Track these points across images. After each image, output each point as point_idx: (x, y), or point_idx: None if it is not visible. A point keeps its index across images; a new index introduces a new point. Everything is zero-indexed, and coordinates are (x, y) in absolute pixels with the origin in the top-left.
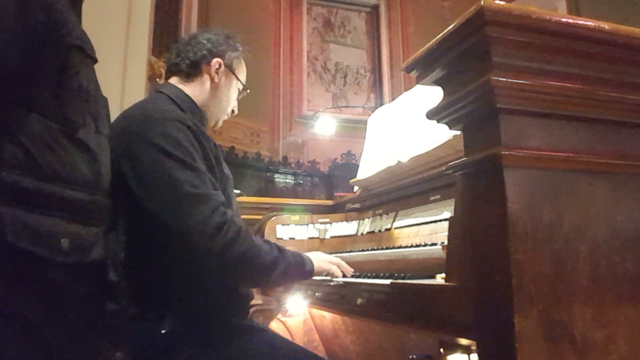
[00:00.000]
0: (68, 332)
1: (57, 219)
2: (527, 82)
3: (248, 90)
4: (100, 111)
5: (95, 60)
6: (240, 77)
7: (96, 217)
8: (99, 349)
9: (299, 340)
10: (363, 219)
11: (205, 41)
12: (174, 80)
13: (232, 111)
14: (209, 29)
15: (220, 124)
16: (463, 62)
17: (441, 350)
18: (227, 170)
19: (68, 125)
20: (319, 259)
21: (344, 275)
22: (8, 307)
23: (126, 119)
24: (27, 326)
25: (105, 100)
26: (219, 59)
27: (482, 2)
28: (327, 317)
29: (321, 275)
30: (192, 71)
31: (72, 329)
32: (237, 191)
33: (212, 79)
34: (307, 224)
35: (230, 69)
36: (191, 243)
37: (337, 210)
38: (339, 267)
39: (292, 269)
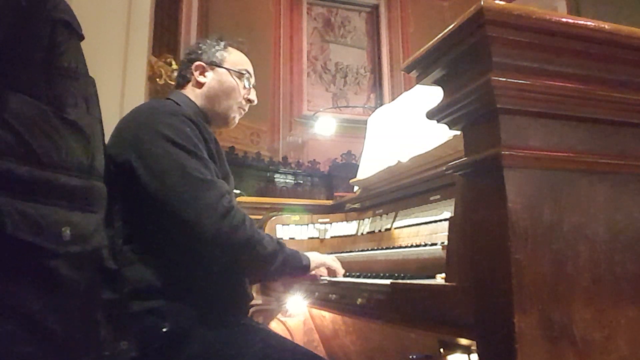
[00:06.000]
0: (70, 324)
1: (56, 207)
2: (527, 82)
3: (248, 72)
4: (90, 92)
5: (81, 37)
6: (228, 66)
7: (94, 203)
8: (103, 339)
9: (299, 340)
10: (363, 219)
11: (186, 55)
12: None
13: (250, 101)
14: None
15: (233, 119)
16: (463, 62)
17: (441, 350)
18: (228, 168)
19: (59, 106)
20: (315, 256)
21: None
22: (10, 302)
23: (134, 113)
24: (30, 320)
25: (93, 81)
26: (197, 63)
27: (482, 2)
28: (327, 317)
29: (318, 269)
30: (182, 81)
31: (75, 320)
32: (237, 191)
33: (198, 82)
34: (307, 224)
35: (214, 64)
36: (199, 226)
37: (337, 210)
38: (332, 265)
39: (290, 262)
